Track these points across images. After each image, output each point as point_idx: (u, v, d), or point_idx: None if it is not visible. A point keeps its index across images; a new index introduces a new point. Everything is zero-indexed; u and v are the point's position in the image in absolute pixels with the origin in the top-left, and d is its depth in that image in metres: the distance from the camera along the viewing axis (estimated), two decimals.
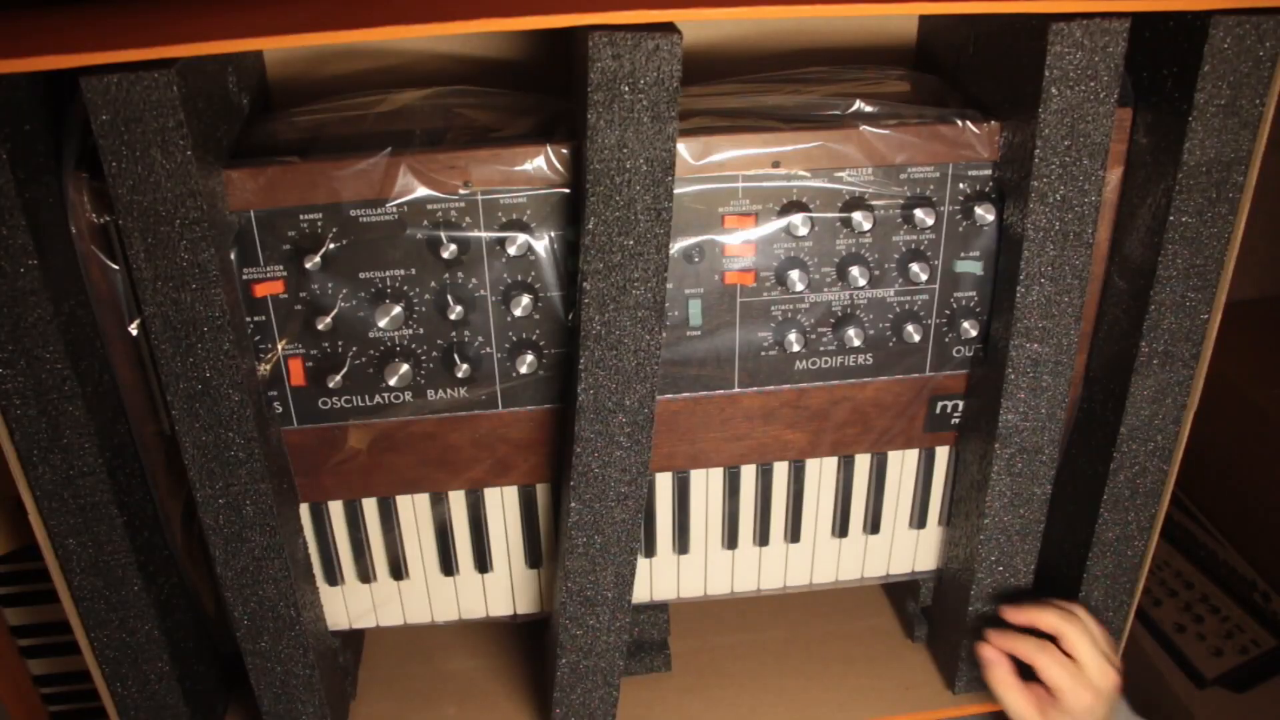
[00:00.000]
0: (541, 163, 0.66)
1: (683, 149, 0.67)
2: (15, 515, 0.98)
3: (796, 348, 0.74)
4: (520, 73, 0.81)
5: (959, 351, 0.78)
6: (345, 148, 0.66)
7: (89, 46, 0.55)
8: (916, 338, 0.75)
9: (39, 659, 1.09)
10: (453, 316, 0.69)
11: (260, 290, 0.68)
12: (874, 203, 0.71)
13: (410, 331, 0.70)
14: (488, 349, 0.72)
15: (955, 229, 0.73)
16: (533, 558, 0.83)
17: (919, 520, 0.87)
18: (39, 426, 0.65)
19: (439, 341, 0.71)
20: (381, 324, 0.69)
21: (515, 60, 0.81)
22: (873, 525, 0.86)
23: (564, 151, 0.66)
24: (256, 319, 0.69)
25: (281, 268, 0.68)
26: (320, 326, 0.68)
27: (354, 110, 0.71)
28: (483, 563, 0.83)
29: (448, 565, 0.83)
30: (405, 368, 0.70)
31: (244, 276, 0.67)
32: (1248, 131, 0.67)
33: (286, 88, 0.78)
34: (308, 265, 0.66)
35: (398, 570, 0.82)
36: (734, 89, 0.76)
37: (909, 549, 0.89)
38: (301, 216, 0.66)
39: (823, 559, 0.88)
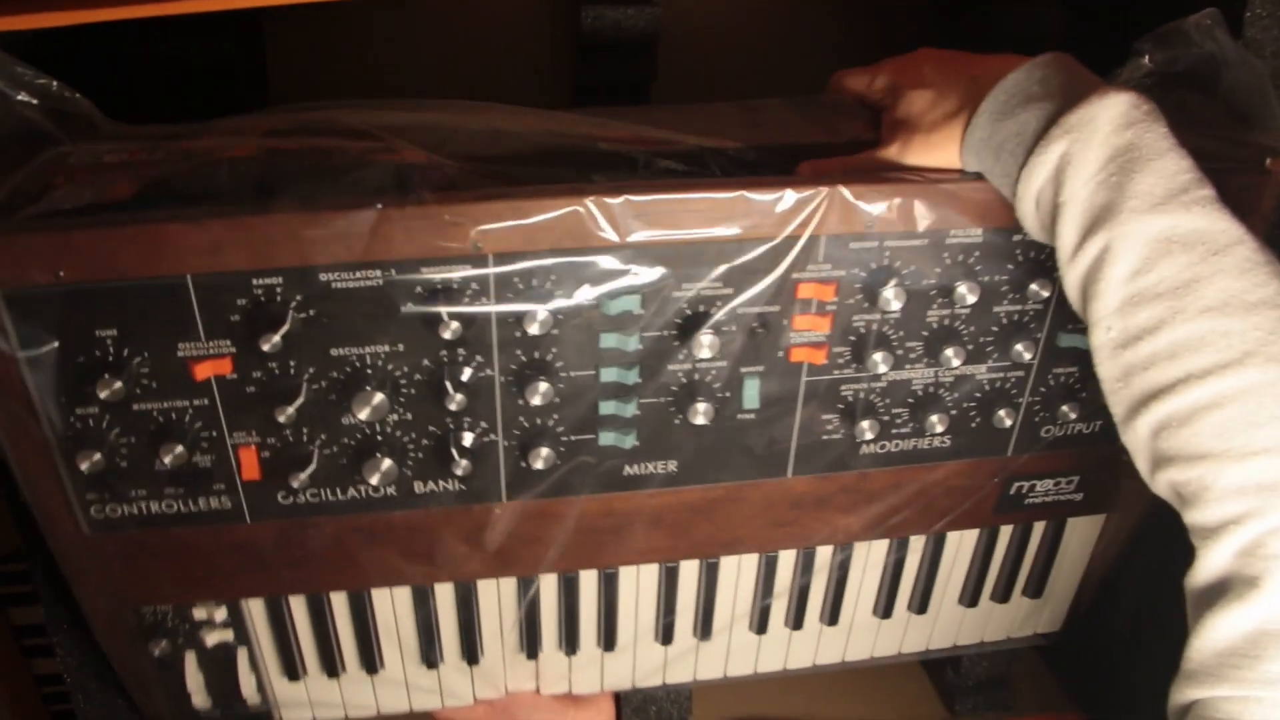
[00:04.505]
0: (583, 215, 0.51)
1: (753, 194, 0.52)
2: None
3: (869, 435, 0.61)
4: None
5: (1048, 432, 0.65)
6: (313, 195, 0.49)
7: None
8: (1008, 422, 0.63)
9: (39, 659, 1.01)
10: (453, 407, 0.54)
11: (201, 371, 0.52)
12: (979, 269, 0.57)
13: (396, 418, 0.56)
14: (492, 436, 0.57)
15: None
16: (531, 648, 0.70)
17: (970, 598, 0.76)
18: None
19: (431, 428, 0.56)
20: (361, 415, 0.53)
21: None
22: (920, 605, 0.75)
23: (609, 202, 0.51)
24: (196, 403, 0.53)
25: (229, 343, 0.52)
26: (281, 418, 0.53)
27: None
28: (472, 654, 0.70)
29: (430, 658, 0.70)
30: (388, 463, 0.55)
31: (178, 354, 0.52)
32: None
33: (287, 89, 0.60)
34: (263, 344, 0.50)
35: (371, 664, 0.69)
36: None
37: (953, 625, 0.78)
38: (255, 281, 0.50)
39: (859, 638, 0.77)
